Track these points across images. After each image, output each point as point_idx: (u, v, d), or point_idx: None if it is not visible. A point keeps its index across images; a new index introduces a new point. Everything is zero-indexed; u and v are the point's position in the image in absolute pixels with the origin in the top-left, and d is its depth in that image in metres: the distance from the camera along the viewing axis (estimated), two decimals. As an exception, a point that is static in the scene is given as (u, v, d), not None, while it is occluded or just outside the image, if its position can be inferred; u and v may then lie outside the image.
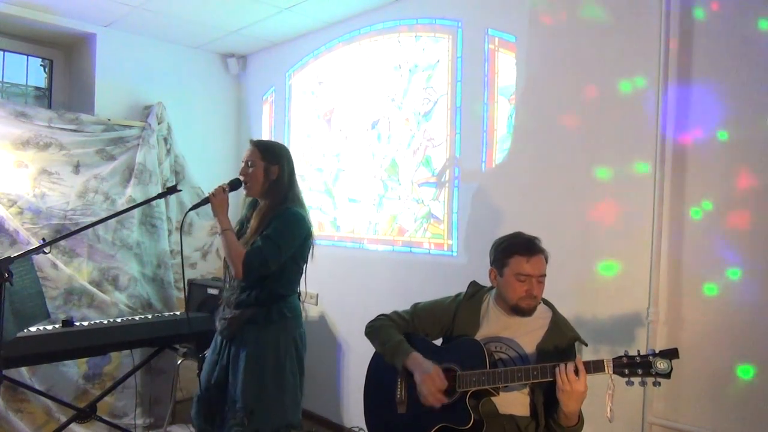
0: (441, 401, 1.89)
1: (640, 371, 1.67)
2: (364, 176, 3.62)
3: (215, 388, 2.39)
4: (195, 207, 2.39)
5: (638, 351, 1.72)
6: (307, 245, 2.44)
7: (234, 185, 2.38)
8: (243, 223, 2.48)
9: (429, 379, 1.91)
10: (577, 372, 1.70)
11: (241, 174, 2.39)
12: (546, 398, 1.91)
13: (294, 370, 2.41)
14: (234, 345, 2.38)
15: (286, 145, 4.08)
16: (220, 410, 2.38)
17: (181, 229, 2.52)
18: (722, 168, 2.16)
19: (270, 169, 2.38)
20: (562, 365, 1.73)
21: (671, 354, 1.65)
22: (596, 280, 2.49)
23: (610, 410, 1.69)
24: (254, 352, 2.33)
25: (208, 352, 2.52)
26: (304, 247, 2.42)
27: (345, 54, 3.77)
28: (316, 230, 3.84)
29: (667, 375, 1.65)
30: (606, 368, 1.70)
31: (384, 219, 3.48)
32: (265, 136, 4.37)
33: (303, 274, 2.50)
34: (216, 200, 2.31)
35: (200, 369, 2.66)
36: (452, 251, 3.09)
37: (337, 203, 3.81)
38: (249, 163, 2.38)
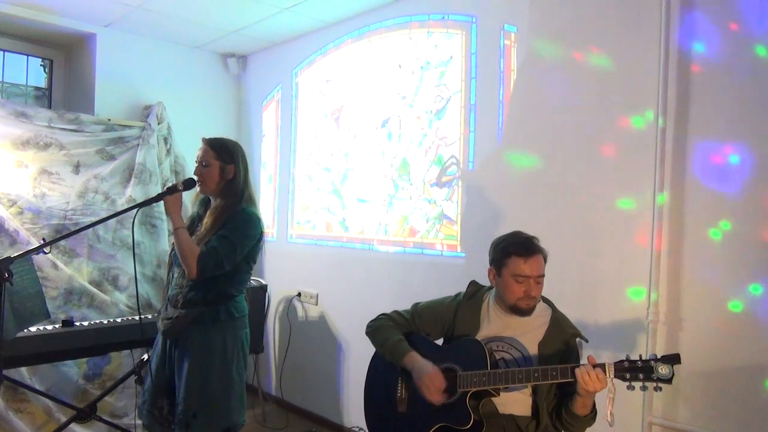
0: (440, 400, 1.90)
1: (641, 376, 1.67)
2: (373, 176, 3.57)
3: (167, 390, 2.36)
4: (147, 203, 2.35)
5: (640, 355, 1.72)
6: (259, 246, 2.42)
7: (188, 185, 2.35)
8: (194, 221, 2.43)
9: (427, 379, 1.92)
10: (604, 370, 1.71)
11: (195, 173, 2.35)
12: (558, 395, 1.91)
13: (240, 371, 2.39)
14: (178, 346, 2.33)
15: (294, 144, 4.07)
16: (170, 414, 2.35)
17: (132, 229, 2.44)
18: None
19: (225, 168, 2.35)
20: (583, 368, 1.72)
21: (673, 359, 1.65)
22: (597, 280, 2.50)
23: (611, 414, 1.69)
24: (200, 353, 2.29)
25: (152, 354, 2.46)
26: (256, 248, 2.41)
27: (354, 51, 3.72)
28: (324, 231, 3.85)
29: (669, 380, 1.65)
30: (607, 372, 1.71)
31: (394, 219, 3.44)
32: (271, 135, 4.35)
33: (251, 274, 2.49)
34: (170, 198, 2.27)
35: (138, 374, 2.64)
36: (465, 253, 3.06)
37: (346, 203, 3.76)
38: (203, 162, 2.34)
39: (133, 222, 2.40)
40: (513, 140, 2.84)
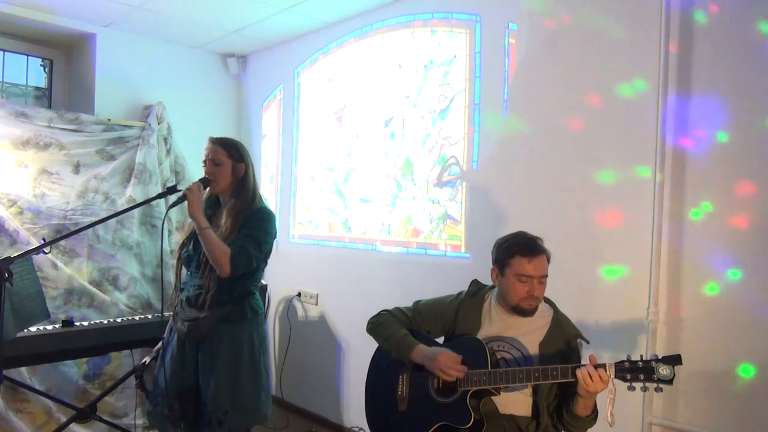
0: (464, 370, 1.89)
1: (642, 376, 1.67)
2: (376, 176, 3.54)
3: (187, 392, 2.35)
4: (174, 205, 2.37)
5: (641, 356, 1.72)
6: (274, 243, 2.47)
7: (206, 183, 2.37)
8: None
9: (443, 358, 1.92)
10: (606, 370, 1.71)
11: (207, 173, 2.38)
12: (559, 396, 1.92)
13: (266, 365, 2.43)
14: (202, 346, 2.34)
15: (296, 144, 4.08)
16: (193, 416, 2.35)
17: (162, 226, 2.47)
18: (722, 170, 2.17)
19: (237, 167, 2.38)
20: (584, 368, 1.73)
21: (674, 360, 1.65)
22: (597, 280, 2.50)
23: (611, 414, 1.69)
24: (229, 351, 2.31)
25: (164, 356, 2.45)
26: (272, 245, 2.44)
27: (356, 50, 3.70)
28: (326, 231, 3.84)
29: (670, 381, 1.65)
30: (608, 372, 1.71)
31: (398, 220, 3.41)
32: (273, 135, 4.34)
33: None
34: (193, 197, 2.27)
35: (139, 377, 2.65)
36: (470, 253, 3.04)
37: (349, 203, 3.74)
38: (215, 161, 2.36)
39: (163, 222, 2.43)
40: (517, 140, 2.82)
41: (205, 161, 2.39)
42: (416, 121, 3.33)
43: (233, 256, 2.23)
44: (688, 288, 2.25)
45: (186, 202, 2.28)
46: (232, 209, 2.35)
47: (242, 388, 2.31)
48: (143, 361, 2.69)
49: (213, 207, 2.47)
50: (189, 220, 2.36)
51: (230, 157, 2.37)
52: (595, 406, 1.85)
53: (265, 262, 2.46)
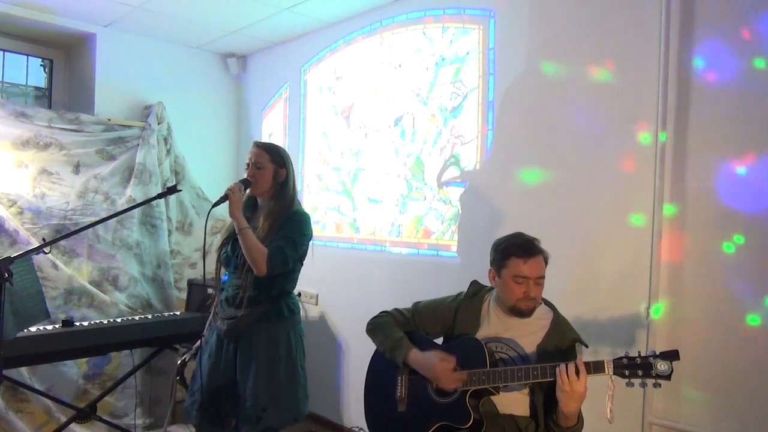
0: (462, 379, 1.89)
1: (640, 372, 1.67)
2: (386, 175, 3.49)
3: (222, 390, 2.39)
4: (216, 204, 2.42)
5: (639, 352, 1.72)
6: (309, 245, 2.52)
7: (247, 185, 2.43)
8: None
9: (439, 367, 1.91)
10: (577, 372, 1.70)
11: (249, 175, 2.43)
12: (546, 398, 1.91)
13: (303, 363, 2.48)
14: (241, 344, 2.40)
15: (302, 143, 4.09)
16: (230, 412, 2.39)
17: (205, 228, 2.50)
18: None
19: (278, 171, 2.45)
20: (563, 365, 1.73)
21: (672, 356, 1.65)
22: (596, 279, 2.49)
23: (610, 411, 1.69)
24: (267, 349, 2.37)
25: (202, 354, 2.50)
26: (308, 247, 2.51)
27: (365, 47, 3.64)
28: (333, 232, 3.84)
29: (668, 377, 1.65)
30: (606, 369, 1.71)
31: (408, 220, 3.36)
32: (279, 134, 4.32)
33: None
34: (234, 198, 2.34)
35: (179, 373, 2.69)
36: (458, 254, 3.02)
37: (357, 204, 3.68)
38: (257, 165, 2.42)
39: (207, 220, 2.47)
40: (525, 140, 2.80)
41: (248, 164, 2.44)
42: (427, 119, 3.27)
43: (270, 256, 2.30)
44: (688, 288, 2.25)
45: (227, 202, 2.33)
46: (270, 212, 2.42)
47: (280, 386, 2.36)
48: (183, 357, 2.72)
49: (251, 209, 2.54)
50: (215, 220, 2.39)
51: (273, 162, 2.44)
52: (581, 415, 1.83)
53: (301, 263, 2.51)
